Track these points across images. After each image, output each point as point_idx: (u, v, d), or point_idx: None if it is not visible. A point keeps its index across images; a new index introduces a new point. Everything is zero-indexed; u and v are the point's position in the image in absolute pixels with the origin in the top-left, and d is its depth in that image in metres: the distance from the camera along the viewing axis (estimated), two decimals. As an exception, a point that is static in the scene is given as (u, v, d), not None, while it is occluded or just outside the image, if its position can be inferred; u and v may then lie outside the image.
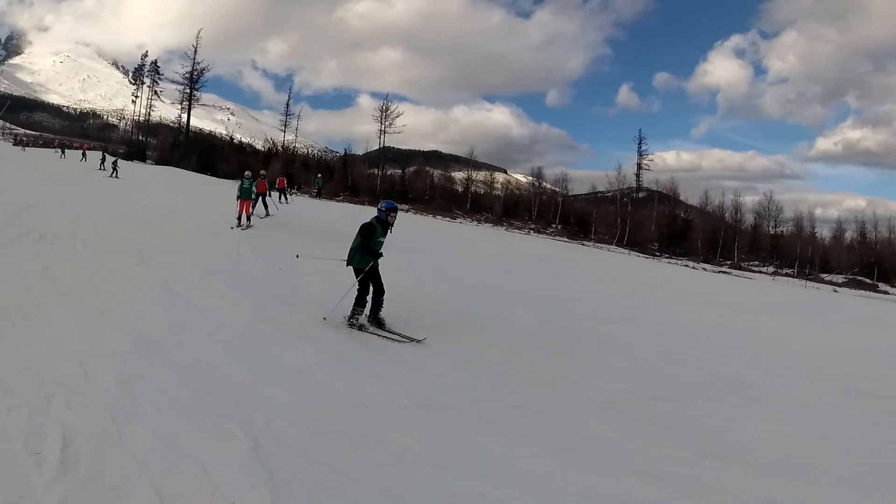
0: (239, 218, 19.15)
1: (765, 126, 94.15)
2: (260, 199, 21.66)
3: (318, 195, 47.99)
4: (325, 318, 8.97)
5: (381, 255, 9.53)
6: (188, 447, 4.68)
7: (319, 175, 51.45)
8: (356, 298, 9.28)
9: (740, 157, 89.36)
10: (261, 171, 22.73)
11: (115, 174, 35.78)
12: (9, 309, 7.84)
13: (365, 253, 9.33)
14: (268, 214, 22.13)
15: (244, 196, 19.57)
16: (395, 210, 9.65)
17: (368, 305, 9.36)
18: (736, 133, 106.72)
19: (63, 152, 48.16)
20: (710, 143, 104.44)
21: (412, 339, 8.73)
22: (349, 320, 9.15)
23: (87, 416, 5.00)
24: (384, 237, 9.54)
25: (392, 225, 9.56)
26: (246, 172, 20.37)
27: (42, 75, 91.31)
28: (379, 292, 9.42)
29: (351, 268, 9.44)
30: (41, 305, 8.21)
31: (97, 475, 4.12)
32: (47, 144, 63.29)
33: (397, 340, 8.73)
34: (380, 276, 9.45)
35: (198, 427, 5.11)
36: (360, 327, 9.06)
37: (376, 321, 9.32)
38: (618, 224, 58.62)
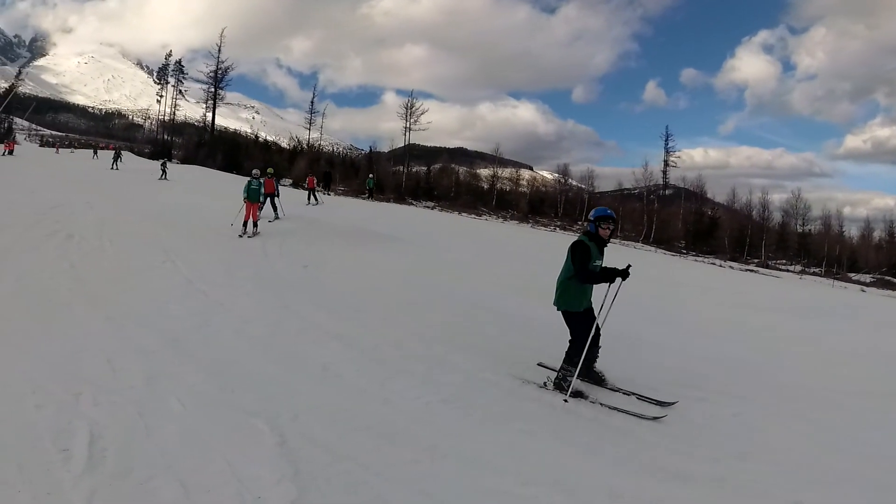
0: (245, 224, 16.85)
1: (793, 123, 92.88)
2: (268, 200, 19.90)
3: (371, 196, 45.54)
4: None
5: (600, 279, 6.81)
6: (214, 443, 4.75)
7: (371, 175, 49.32)
8: (570, 351, 6.82)
9: (768, 154, 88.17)
10: (268, 170, 20.54)
11: (164, 176, 34.91)
12: (37, 307, 8.03)
13: (581, 284, 6.76)
14: (276, 217, 20.18)
15: (252, 198, 17.39)
16: (610, 219, 6.89)
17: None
18: (764, 130, 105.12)
19: (95, 153, 48.49)
20: (737, 140, 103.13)
21: (663, 403, 6.69)
22: (557, 382, 6.80)
23: (115, 413, 5.09)
24: (600, 259, 6.84)
25: (608, 241, 6.92)
26: (254, 171, 18.49)
27: (67, 76, 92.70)
28: (596, 338, 6.89)
29: (560, 312, 6.96)
30: (69, 304, 8.37)
31: (124, 471, 4.20)
32: (71, 144, 64.01)
33: (643, 403, 6.71)
34: (594, 314, 6.93)
35: (224, 423, 5.17)
36: (577, 394, 6.61)
37: (594, 377, 7.12)
38: (644, 221, 58.15)
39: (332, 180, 47.18)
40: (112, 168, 36.45)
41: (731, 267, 44.15)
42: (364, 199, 43.76)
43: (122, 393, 5.54)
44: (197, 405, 5.49)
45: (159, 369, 6.24)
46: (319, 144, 69.03)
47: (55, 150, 51.44)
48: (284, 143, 75.45)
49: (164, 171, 35.40)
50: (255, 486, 4.17)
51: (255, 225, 17.23)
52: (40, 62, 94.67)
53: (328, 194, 38.92)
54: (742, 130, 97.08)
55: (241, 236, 16.23)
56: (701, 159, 78.14)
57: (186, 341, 7.33)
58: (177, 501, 3.93)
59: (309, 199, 29.85)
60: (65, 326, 7.38)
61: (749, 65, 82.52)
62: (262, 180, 18.44)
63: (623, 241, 51.36)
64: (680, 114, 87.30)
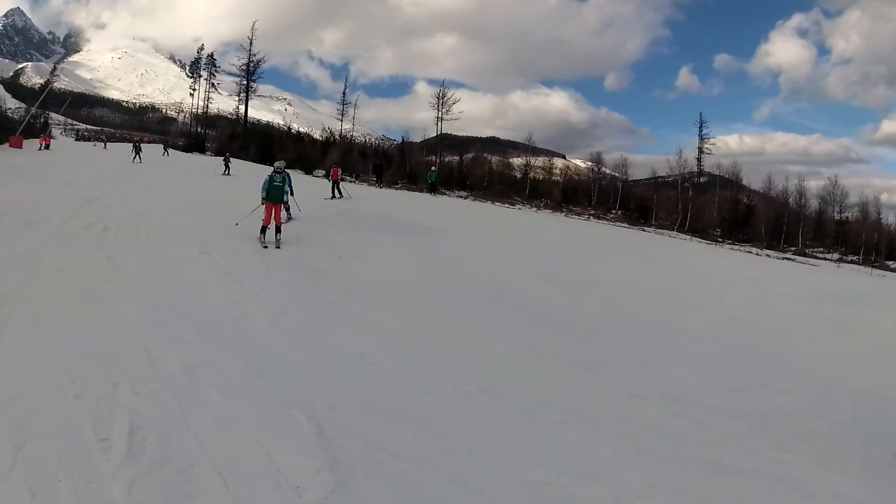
0: (264, 231, 13.85)
1: (829, 108, 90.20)
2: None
3: (433, 191, 41.82)
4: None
5: None
6: (252, 432, 4.77)
7: (433, 168, 45.52)
8: None
9: (804, 140, 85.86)
10: (276, 164, 15.18)
11: (227, 171, 33.83)
12: (76, 299, 8.16)
13: None
14: (290, 218, 16.83)
15: (273, 198, 14.08)
16: None
17: None
18: (799, 116, 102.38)
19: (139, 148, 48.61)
20: (773, 126, 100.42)
21: None
22: None
23: (154, 403, 5.15)
24: None
25: None
26: (276, 163, 14.73)
27: (101, 71, 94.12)
28: None
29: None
30: (107, 295, 8.49)
31: (163, 460, 4.24)
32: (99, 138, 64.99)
33: None
34: None
35: (261, 412, 5.21)
36: None
37: None
38: (679, 209, 57.32)
39: (383, 172, 45.05)
40: (134, 161, 35.55)
41: (767, 255, 43.44)
42: (427, 192, 41.25)
43: (160, 382, 5.60)
44: (234, 395, 5.54)
45: (197, 359, 6.32)
46: (352, 135, 69.22)
47: (103, 145, 51.66)
48: (317, 135, 75.83)
49: (227, 167, 34.50)
50: (294, 475, 4.19)
51: (279, 230, 14.00)
52: (74, 58, 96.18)
53: (381, 187, 37.63)
54: (777, 116, 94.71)
55: (264, 246, 13.48)
56: (736, 146, 76.54)
57: (224, 331, 7.41)
58: (215, 490, 3.95)
59: (333, 192, 26.36)
60: (103, 317, 7.49)
61: (783, 49, 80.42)
62: (285, 174, 14.93)
63: (658, 230, 50.72)
64: (714, 100, 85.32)
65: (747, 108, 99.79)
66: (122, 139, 62.44)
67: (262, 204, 14.03)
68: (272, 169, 14.82)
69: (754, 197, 59.97)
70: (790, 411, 6.35)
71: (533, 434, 5.29)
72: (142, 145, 41.10)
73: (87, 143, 59.20)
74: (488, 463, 4.68)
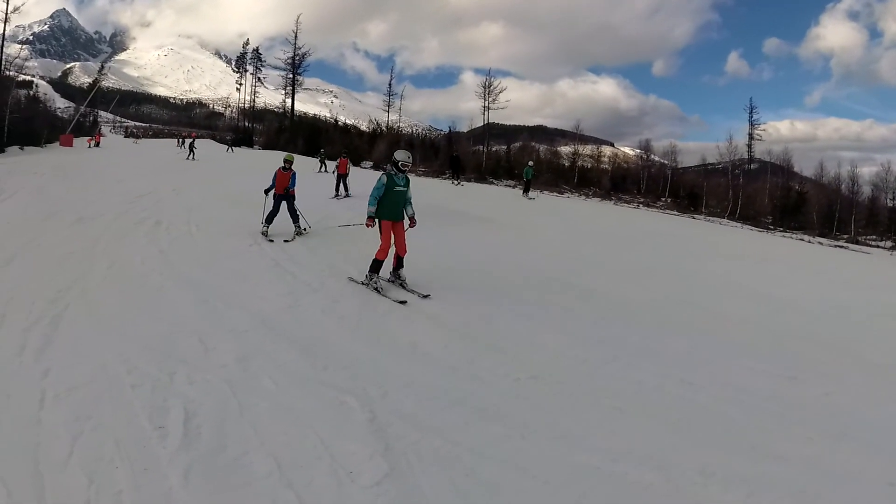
0: (378, 266, 9.38)
1: (882, 93, 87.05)
2: (284, 204, 13.64)
3: (528, 190, 34.76)
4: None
5: None
6: (306, 419, 4.84)
7: (531, 163, 37.88)
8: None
9: (857, 125, 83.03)
10: (398, 157, 9.83)
11: (323, 168, 33.09)
12: (131, 291, 8.38)
13: None
14: (298, 232, 13.39)
15: (394, 213, 9.70)
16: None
17: None
18: (852, 101, 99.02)
19: (182, 142, 49.11)
20: (825, 111, 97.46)
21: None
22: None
23: (208, 391, 5.26)
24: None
25: None
26: (399, 156, 9.19)
27: (148, 69, 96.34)
28: None
29: None
30: (160, 287, 8.69)
31: (219, 447, 4.33)
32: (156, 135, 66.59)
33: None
34: None
35: (315, 400, 5.27)
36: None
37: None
38: (729, 197, 56.13)
39: (461, 166, 39.92)
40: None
41: (819, 243, 42.39)
42: (520, 190, 35.29)
43: (214, 372, 5.72)
44: (288, 383, 5.61)
45: (251, 348, 6.42)
46: (398, 126, 69.50)
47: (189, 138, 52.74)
48: (364, 127, 76.34)
49: (323, 164, 33.70)
50: (348, 461, 4.24)
51: (401, 264, 9.79)
52: (121, 56, 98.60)
53: (458, 183, 34.64)
54: (829, 101, 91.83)
55: (377, 289, 9.22)
56: (787, 132, 74.64)
57: (277, 321, 7.51)
58: (270, 476, 4.02)
59: (338, 189, 22.02)
60: (157, 309, 7.66)
61: (834, 33, 77.88)
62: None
63: (708, 218, 49.84)
64: (764, 85, 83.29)
65: (798, 93, 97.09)
66: (170, 135, 63.72)
67: (370, 223, 9.41)
68: (390, 165, 9.79)
69: (806, 184, 58.62)
70: (844, 400, 6.15)
71: (586, 420, 5.25)
72: (195, 141, 41.16)
73: (128, 139, 60.70)
74: (542, 449, 4.67)
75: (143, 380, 5.39)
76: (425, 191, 28.09)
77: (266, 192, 13.57)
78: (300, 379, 5.72)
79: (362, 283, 9.42)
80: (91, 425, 4.53)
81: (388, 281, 9.57)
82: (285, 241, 12.61)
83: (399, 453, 4.40)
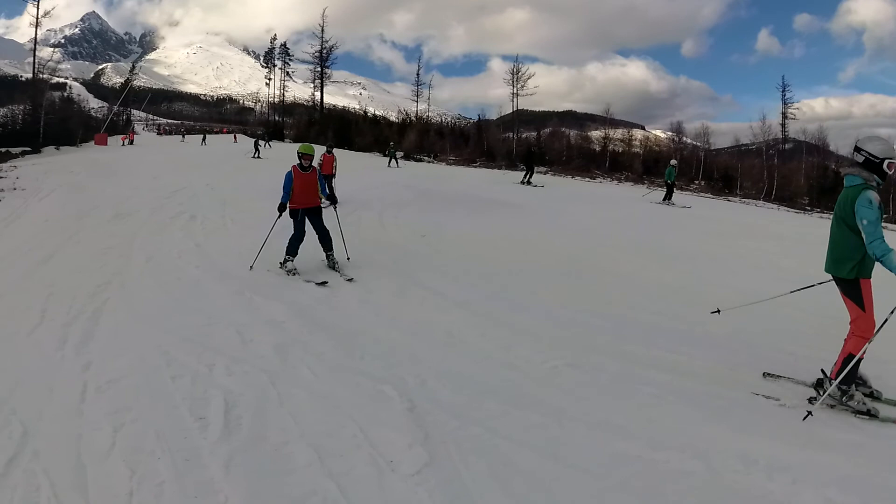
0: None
1: None
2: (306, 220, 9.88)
3: (669, 196, 28.60)
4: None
5: None
6: (345, 408, 4.84)
7: (673, 163, 30.57)
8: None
9: (894, 101, 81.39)
10: (301, 152, 9.90)
11: (394, 162, 33.85)
12: (169, 285, 8.51)
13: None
14: (331, 264, 9.89)
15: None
16: None
17: None
18: (886, 76, 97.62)
19: (204, 139, 49.82)
20: (859, 87, 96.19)
21: None
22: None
23: (248, 382, 5.29)
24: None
25: None
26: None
27: (178, 67, 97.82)
28: None
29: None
30: (197, 280, 8.79)
31: (259, 437, 4.35)
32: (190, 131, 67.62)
33: None
34: None
35: (353, 389, 5.27)
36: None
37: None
38: (764, 178, 55.18)
39: (533, 164, 32.40)
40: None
41: None
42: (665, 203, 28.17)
43: (253, 363, 5.74)
44: (326, 373, 5.62)
45: (289, 339, 6.46)
46: (427, 116, 69.57)
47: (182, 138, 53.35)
48: (393, 117, 76.59)
49: (394, 158, 33.63)
50: (387, 450, 4.23)
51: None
52: (152, 56, 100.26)
53: (530, 183, 29.57)
54: (863, 77, 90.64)
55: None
56: (822, 110, 73.79)
57: (313, 312, 7.56)
58: (311, 465, 4.02)
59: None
60: (195, 301, 7.75)
61: (865, 6, 76.54)
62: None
63: (743, 200, 49.13)
64: (796, 63, 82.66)
65: (831, 69, 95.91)
66: (200, 131, 64.58)
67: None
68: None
69: (842, 162, 57.38)
70: (888, 384, 5.96)
71: (625, 408, 5.16)
72: (260, 141, 42.31)
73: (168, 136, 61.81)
74: (581, 437, 4.61)
75: (183, 371, 5.44)
76: (455, 179, 28.08)
77: (280, 209, 9.81)
78: (338, 369, 5.73)
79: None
80: (132, 417, 4.57)
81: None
82: (320, 283, 8.98)
83: (438, 442, 4.38)
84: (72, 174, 21.39)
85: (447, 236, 13.34)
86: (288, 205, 9.72)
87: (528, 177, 30.06)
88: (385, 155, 34.87)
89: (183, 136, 49.39)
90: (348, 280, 9.22)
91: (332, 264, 9.80)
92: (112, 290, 8.09)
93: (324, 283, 8.90)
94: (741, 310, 7.10)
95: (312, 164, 9.94)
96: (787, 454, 4.39)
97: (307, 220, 9.79)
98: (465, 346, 6.64)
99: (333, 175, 17.87)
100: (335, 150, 14.63)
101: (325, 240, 9.86)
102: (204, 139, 49.94)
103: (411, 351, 6.32)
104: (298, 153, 9.85)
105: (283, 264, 9.54)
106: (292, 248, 9.58)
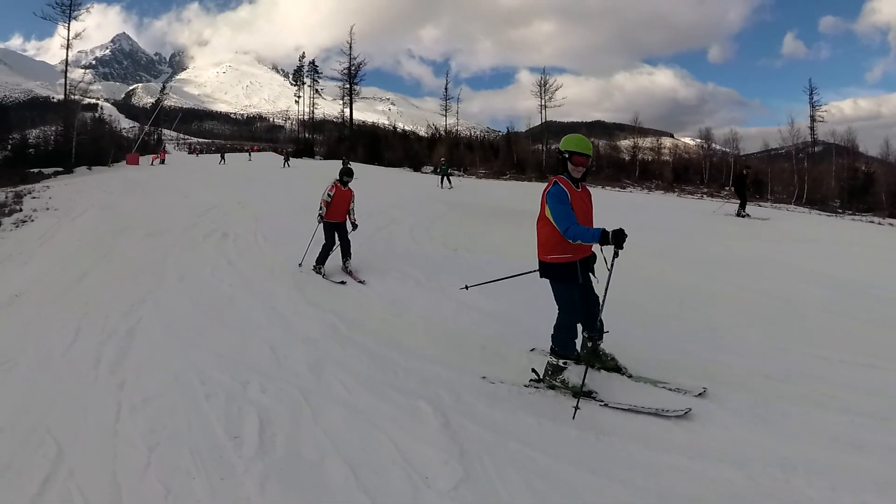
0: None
1: None
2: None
3: (744, 206, 24.30)
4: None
5: None
6: (379, 425, 4.83)
7: (748, 169, 28.03)
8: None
9: None
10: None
11: (446, 181, 31.14)
12: (202, 303, 8.58)
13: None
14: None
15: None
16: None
17: None
18: None
19: (223, 158, 49.51)
20: (887, 87, 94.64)
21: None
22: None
23: (282, 399, 5.31)
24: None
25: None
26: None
27: (208, 87, 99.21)
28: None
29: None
30: (230, 298, 8.85)
31: (294, 454, 4.36)
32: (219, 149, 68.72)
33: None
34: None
35: (388, 405, 5.25)
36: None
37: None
38: (795, 181, 54.53)
39: (745, 192, 25.14)
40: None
41: (890, 224, 40.81)
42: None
43: (287, 380, 5.77)
44: (360, 389, 5.61)
45: (322, 356, 6.47)
46: (456, 129, 69.81)
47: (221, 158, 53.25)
48: (422, 132, 76.99)
49: (446, 176, 31.75)
50: (423, 466, 4.22)
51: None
52: (182, 76, 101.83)
53: (745, 216, 23.86)
54: (891, 76, 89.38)
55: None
56: (851, 111, 72.97)
57: (346, 328, 7.55)
58: (347, 482, 4.02)
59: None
60: (229, 319, 7.82)
61: (890, 5, 75.64)
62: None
63: (774, 205, 48.60)
64: (822, 65, 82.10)
65: (858, 70, 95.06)
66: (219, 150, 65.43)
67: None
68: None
69: (872, 163, 56.78)
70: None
71: (661, 418, 5.06)
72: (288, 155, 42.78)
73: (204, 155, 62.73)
74: (618, 449, 4.56)
75: (217, 389, 5.47)
76: (484, 190, 28.05)
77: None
78: (372, 385, 5.72)
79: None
80: (166, 435, 4.61)
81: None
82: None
83: (474, 457, 4.36)
84: (104, 193, 21.69)
85: (479, 249, 13.29)
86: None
87: (742, 208, 24.29)
88: (436, 173, 33.34)
89: (222, 158, 48.73)
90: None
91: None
92: (146, 308, 8.18)
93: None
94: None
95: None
96: (825, 458, 4.35)
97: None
98: (499, 358, 6.57)
99: (352, 220, 11.06)
100: (354, 179, 11.25)
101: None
102: (222, 158, 49.27)
103: (445, 366, 6.27)
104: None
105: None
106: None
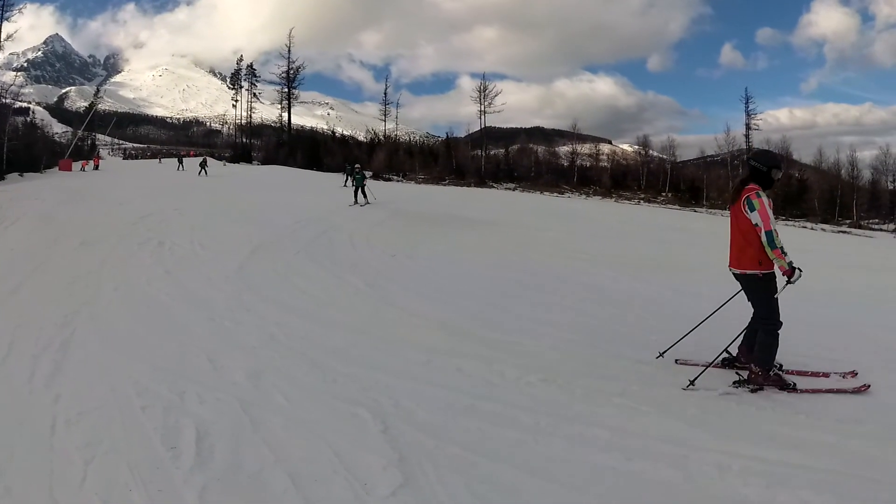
0: None
1: (878, 76, 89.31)
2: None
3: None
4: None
5: None
6: (320, 433, 4.84)
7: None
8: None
9: (856, 110, 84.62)
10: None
11: (360, 195, 23.57)
12: (139, 313, 8.44)
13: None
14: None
15: None
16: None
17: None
18: (849, 85, 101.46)
19: (181, 163, 49.15)
20: (822, 97, 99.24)
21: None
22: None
23: (220, 410, 5.27)
24: None
25: None
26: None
27: (143, 90, 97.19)
28: None
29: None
30: (168, 308, 8.73)
31: (233, 465, 4.33)
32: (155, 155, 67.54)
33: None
34: None
35: (328, 413, 5.26)
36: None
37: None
38: (729, 188, 56.37)
39: None
40: (200, 174, 37.26)
41: (822, 229, 42.65)
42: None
43: (225, 390, 5.71)
44: (300, 397, 5.60)
45: (261, 365, 6.41)
46: (396, 135, 69.87)
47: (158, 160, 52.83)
48: (361, 137, 76.87)
49: (361, 190, 28.90)
50: (362, 473, 4.24)
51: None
52: (117, 79, 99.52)
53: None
54: (826, 87, 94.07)
55: None
56: (787, 120, 76.15)
57: (286, 336, 7.51)
58: (286, 492, 4.02)
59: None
60: (165, 329, 7.70)
61: (826, 18, 79.49)
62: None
63: (710, 210, 50.13)
64: (759, 75, 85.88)
65: (794, 80, 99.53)
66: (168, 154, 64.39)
67: None
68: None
69: (806, 171, 59.18)
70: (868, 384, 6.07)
71: (600, 420, 5.22)
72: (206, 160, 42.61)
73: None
74: (558, 451, 4.65)
75: (154, 401, 5.40)
76: (426, 198, 28.16)
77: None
78: (312, 393, 5.72)
79: None
80: (103, 449, 4.53)
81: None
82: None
83: (414, 463, 4.40)
84: (37, 201, 21.11)
85: (420, 256, 13.40)
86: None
87: None
88: (347, 179, 28.94)
89: (160, 160, 49.03)
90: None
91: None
92: (81, 319, 8.00)
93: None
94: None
95: None
96: (761, 454, 4.50)
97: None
98: (440, 364, 6.63)
99: None
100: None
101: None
102: (181, 163, 48.38)
103: (385, 373, 6.28)
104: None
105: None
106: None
